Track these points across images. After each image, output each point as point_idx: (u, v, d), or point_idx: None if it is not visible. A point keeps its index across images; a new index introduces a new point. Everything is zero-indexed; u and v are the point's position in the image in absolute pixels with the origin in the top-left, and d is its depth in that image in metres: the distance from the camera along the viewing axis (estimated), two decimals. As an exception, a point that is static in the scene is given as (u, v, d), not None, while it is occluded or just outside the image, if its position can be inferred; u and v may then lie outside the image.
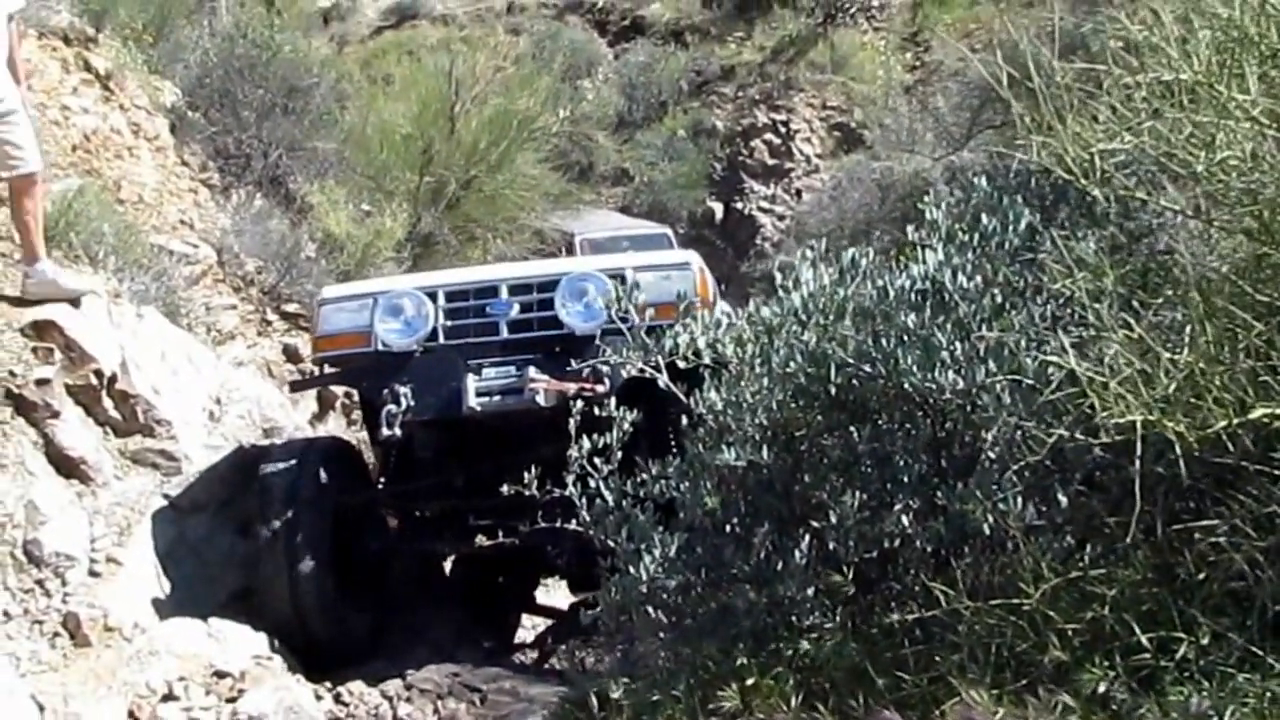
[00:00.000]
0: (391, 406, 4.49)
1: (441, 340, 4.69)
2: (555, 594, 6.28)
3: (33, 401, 4.52)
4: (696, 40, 18.58)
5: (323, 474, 4.82)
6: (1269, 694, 2.01)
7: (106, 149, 7.26)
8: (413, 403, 4.51)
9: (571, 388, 4.18)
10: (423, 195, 10.92)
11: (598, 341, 4.32)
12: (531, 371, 4.43)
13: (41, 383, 4.55)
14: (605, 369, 4.14)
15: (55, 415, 4.57)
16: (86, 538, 4.41)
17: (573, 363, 4.37)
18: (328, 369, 5.19)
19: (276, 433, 5.85)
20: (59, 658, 3.99)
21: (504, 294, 4.73)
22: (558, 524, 3.40)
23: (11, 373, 4.53)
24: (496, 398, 4.50)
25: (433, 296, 4.73)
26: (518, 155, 11.94)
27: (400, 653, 4.91)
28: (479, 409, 4.50)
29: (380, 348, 4.69)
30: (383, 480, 5.30)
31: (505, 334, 4.67)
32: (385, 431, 4.51)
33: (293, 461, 4.85)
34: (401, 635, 5.16)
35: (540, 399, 4.38)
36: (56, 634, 4.05)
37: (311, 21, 17.75)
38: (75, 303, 4.91)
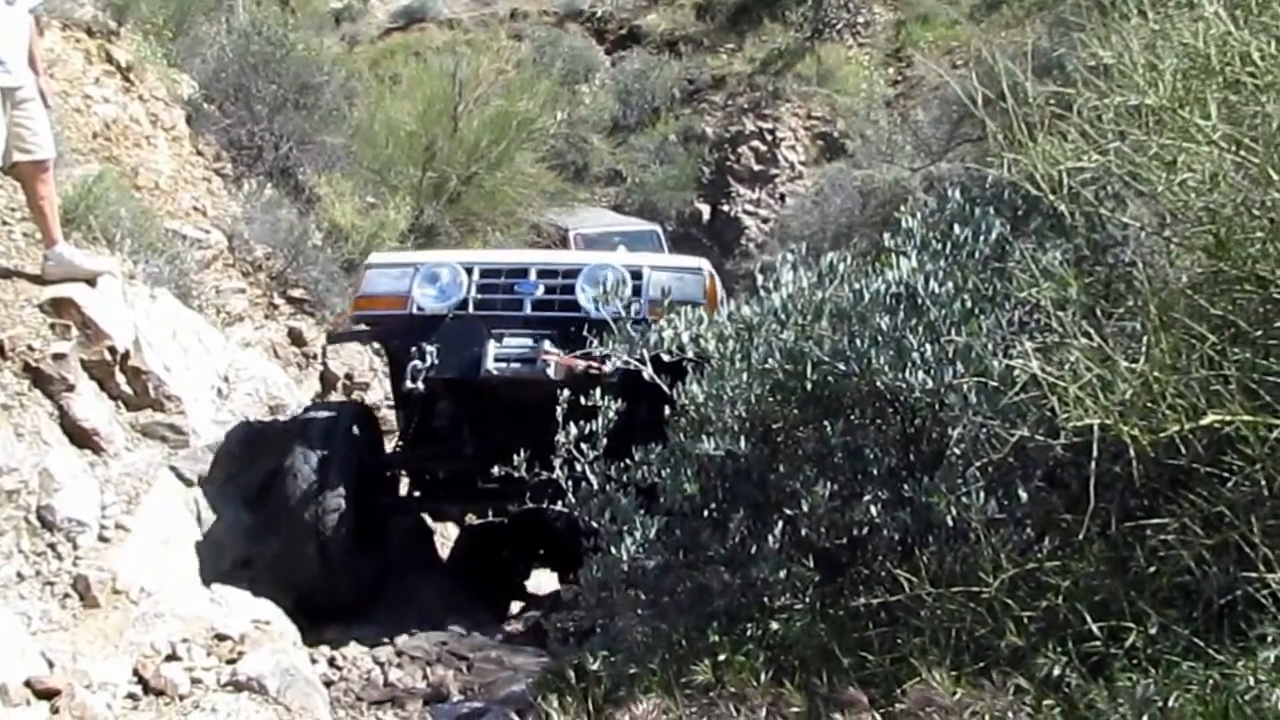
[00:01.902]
0: (417, 362, 4.66)
1: (471, 310, 4.85)
2: (544, 587, 6.33)
3: (49, 375, 4.49)
4: (689, 50, 18.53)
5: (355, 428, 5.03)
6: (1211, 682, 2.03)
7: (125, 137, 7.21)
8: (437, 361, 4.68)
9: (580, 364, 4.24)
10: (425, 189, 10.91)
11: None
12: (546, 345, 4.58)
13: (58, 357, 4.53)
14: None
15: (70, 388, 4.54)
16: (97, 505, 4.39)
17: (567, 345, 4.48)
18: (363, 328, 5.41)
19: (281, 410, 5.83)
20: (69, 618, 3.97)
21: (532, 276, 4.91)
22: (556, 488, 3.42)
23: (30, 347, 4.51)
24: (513, 365, 4.66)
25: (469, 271, 4.92)
26: (517, 154, 11.95)
27: (393, 621, 4.92)
28: (495, 373, 4.66)
29: (415, 311, 4.86)
30: (400, 445, 5.49)
31: (528, 311, 4.83)
32: (409, 384, 4.68)
33: (331, 412, 5.21)
34: (395, 604, 5.16)
35: (551, 371, 4.50)
36: (67, 595, 4.03)
37: (324, 21, 17.65)
38: (92, 282, 4.88)
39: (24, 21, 4.69)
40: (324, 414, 5.16)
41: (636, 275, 4.67)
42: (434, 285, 4.89)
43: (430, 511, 5.88)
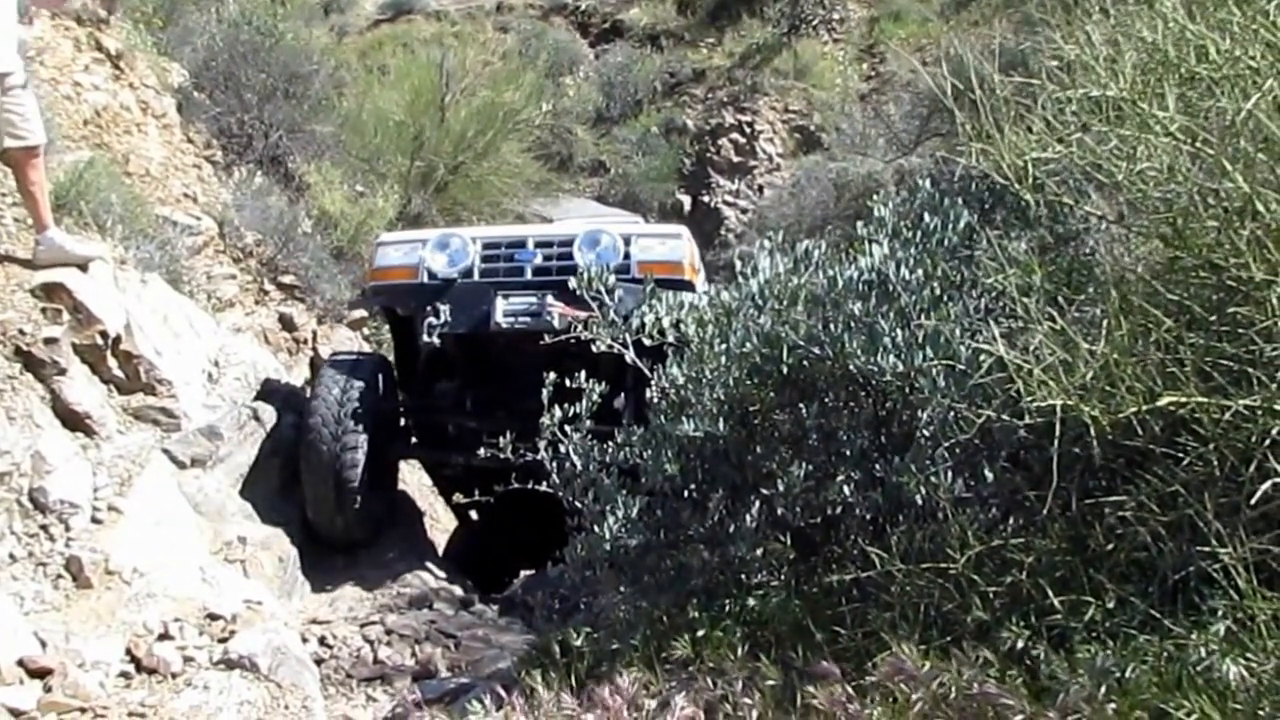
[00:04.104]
0: (432, 319, 5.03)
1: (476, 278, 5.16)
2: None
3: (41, 359, 4.46)
4: (671, 44, 18.50)
5: (378, 375, 5.45)
6: (1166, 653, 2.06)
7: (116, 124, 7.14)
8: (449, 319, 5.02)
9: (582, 315, 4.31)
10: (413, 178, 10.86)
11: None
12: (549, 298, 4.89)
13: (50, 341, 4.50)
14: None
15: (62, 372, 4.52)
16: (89, 487, 4.36)
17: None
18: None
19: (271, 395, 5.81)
20: (61, 598, 3.95)
21: (530, 246, 5.28)
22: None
23: (21, 331, 4.47)
24: (521, 318, 4.98)
25: (473, 242, 5.29)
26: (502, 144, 11.90)
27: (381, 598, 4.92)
28: (504, 326, 4.98)
29: (426, 279, 5.21)
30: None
31: (529, 276, 5.17)
32: (425, 339, 5.04)
33: (357, 357, 5.76)
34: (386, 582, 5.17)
35: (555, 321, 4.73)
36: (59, 576, 4.01)
37: (313, 12, 17.46)
38: (83, 267, 4.85)
39: (11, 9, 4.65)
40: (350, 357, 5.65)
41: (627, 240, 5.11)
42: (444, 252, 5.25)
43: (435, 459, 6.22)
